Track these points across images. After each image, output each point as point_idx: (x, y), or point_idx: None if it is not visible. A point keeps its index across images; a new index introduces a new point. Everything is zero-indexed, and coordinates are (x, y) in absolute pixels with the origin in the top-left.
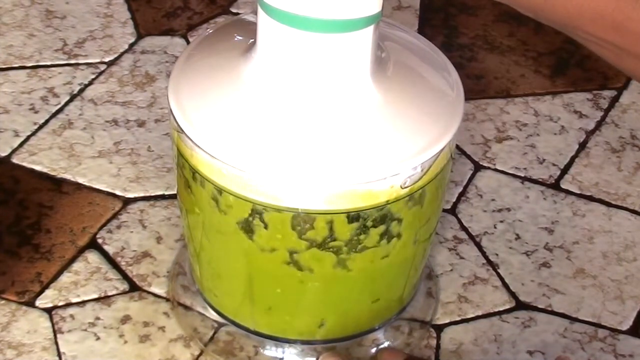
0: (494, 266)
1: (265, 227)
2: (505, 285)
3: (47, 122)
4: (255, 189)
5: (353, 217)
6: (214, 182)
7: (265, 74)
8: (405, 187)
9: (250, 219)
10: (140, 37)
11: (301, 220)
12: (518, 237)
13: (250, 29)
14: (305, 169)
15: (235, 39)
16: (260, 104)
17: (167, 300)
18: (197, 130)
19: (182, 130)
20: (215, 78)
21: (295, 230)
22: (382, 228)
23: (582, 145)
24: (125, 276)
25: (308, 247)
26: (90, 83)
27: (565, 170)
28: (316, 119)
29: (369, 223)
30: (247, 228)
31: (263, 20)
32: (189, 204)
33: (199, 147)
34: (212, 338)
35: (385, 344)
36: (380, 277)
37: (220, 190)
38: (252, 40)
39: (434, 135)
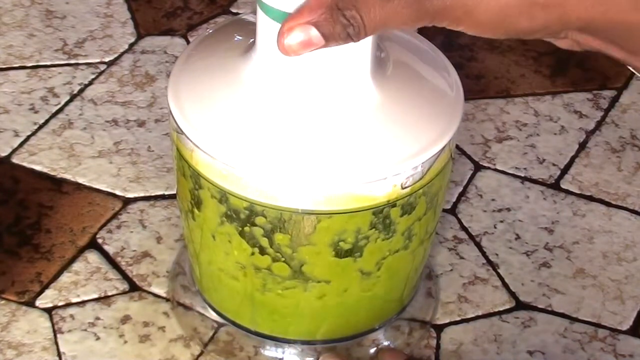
0: (494, 266)
1: (265, 228)
2: (505, 285)
3: (47, 122)
4: (256, 190)
5: (354, 217)
6: (213, 183)
7: (265, 75)
8: (406, 187)
9: (251, 220)
10: (140, 37)
11: (303, 222)
12: (518, 237)
13: (250, 29)
14: (305, 169)
15: (235, 39)
16: (259, 105)
17: (167, 300)
18: (197, 131)
19: (182, 131)
20: (215, 78)
21: (297, 231)
22: (382, 228)
23: (582, 145)
24: (125, 276)
25: (310, 248)
26: (90, 83)
27: (565, 170)
28: (316, 120)
29: (370, 224)
30: (247, 229)
31: (262, 21)
32: (189, 204)
33: (198, 148)
34: (212, 338)
35: (385, 344)
36: (379, 278)
37: (220, 191)
38: (252, 40)
39: (435, 135)
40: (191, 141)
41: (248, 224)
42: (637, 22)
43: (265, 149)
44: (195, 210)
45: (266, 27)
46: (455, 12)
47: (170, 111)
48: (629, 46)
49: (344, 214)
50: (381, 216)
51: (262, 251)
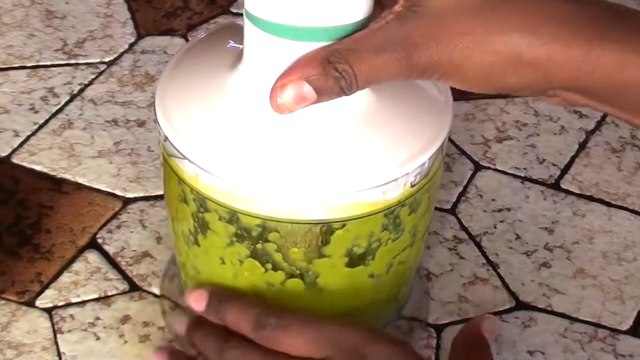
0: (494, 266)
1: (278, 243)
2: (505, 285)
3: (47, 122)
4: (269, 206)
5: (367, 222)
6: (223, 204)
7: (253, 84)
8: (415, 185)
9: (263, 237)
10: (140, 37)
11: (318, 233)
12: (518, 237)
13: (240, 35)
14: (318, 180)
15: (226, 45)
16: (257, 118)
17: (167, 299)
18: (202, 154)
19: (184, 156)
20: (202, 87)
21: (311, 243)
22: (392, 229)
23: (582, 145)
24: (125, 276)
25: (325, 261)
26: (90, 83)
27: (565, 170)
28: (316, 128)
29: (382, 226)
30: (260, 246)
31: (249, 30)
32: (192, 229)
33: (205, 171)
34: None
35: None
36: (388, 279)
37: (230, 212)
38: (242, 47)
39: (434, 132)
40: (196, 165)
41: (260, 241)
42: (624, 81)
43: (276, 164)
44: (200, 235)
45: (253, 37)
46: (443, 68)
47: (167, 137)
48: (618, 103)
49: (358, 219)
50: (392, 217)
51: (276, 267)
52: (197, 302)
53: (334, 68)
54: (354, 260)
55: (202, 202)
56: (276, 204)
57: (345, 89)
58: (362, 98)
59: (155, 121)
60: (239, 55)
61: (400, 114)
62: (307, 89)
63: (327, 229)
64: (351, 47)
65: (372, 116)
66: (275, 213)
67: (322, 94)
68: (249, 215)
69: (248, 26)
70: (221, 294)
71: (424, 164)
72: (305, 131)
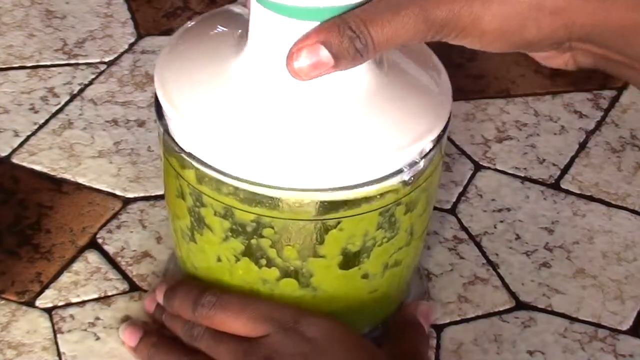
0: (494, 266)
1: (273, 239)
2: (505, 285)
3: (47, 122)
4: (265, 202)
5: (362, 220)
6: (218, 199)
7: (260, 67)
8: (410, 184)
9: (258, 232)
10: (140, 37)
11: (313, 230)
12: (518, 237)
13: (235, 20)
14: (315, 178)
15: (220, 30)
16: (260, 111)
17: None
18: (202, 150)
19: (182, 150)
20: (204, 71)
21: (306, 240)
22: (388, 227)
23: (582, 145)
24: (125, 276)
25: (319, 261)
26: (90, 83)
27: (565, 170)
28: (319, 121)
29: (377, 225)
30: (255, 242)
31: (258, 12)
32: (189, 224)
33: (203, 166)
34: None
35: None
36: (384, 277)
37: (225, 207)
38: (241, 31)
39: (428, 130)
40: (195, 159)
41: (255, 237)
42: (636, 25)
43: (271, 160)
44: (196, 231)
45: (260, 18)
46: (463, 21)
47: (165, 132)
48: (629, 51)
49: (353, 217)
50: (387, 215)
51: (270, 263)
52: (151, 304)
53: (348, 27)
54: (349, 259)
55: (198, 197)
56: (272, 201)
57: (361, 51)
58: (360, 96)
59: (155, 119)
60: (238, 42)
61: (395, 112)
62: (324, 53)
63: (321, 227)
64: (366, 7)
65: (367, 115)
66: (270, 209)
67: (339, 58)
68: (243, 211)
69: (256, 8)
70: (170, 287)
71: (419, 162)
72: (299, 127)
